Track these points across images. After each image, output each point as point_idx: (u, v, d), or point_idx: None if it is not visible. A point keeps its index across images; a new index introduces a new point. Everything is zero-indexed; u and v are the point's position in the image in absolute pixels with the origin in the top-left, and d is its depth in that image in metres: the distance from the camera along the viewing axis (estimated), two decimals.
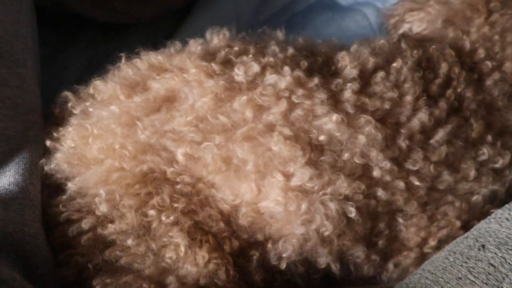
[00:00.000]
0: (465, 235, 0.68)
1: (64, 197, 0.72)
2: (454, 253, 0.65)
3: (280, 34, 0.82)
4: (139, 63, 0.76)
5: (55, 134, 0.75)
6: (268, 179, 0.69)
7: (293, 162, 0.68)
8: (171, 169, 0.70)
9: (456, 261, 0.64)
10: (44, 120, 0.80)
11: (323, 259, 0.72)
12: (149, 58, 0.76)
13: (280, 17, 1.20)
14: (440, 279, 0.63)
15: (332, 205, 0.69)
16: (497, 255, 0.63)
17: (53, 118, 0.79)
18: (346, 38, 1.14)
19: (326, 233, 0.70)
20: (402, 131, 0.73)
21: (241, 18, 1.18)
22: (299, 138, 0.69)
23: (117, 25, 1.13)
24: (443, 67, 0.78)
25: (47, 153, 0.75)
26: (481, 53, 0.82)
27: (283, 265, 0.71)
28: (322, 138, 0.70)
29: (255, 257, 0.71)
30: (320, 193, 0.69)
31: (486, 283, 0.61)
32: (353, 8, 1.20)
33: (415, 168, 0.73)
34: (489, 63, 0.82)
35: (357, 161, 0.70)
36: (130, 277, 0.66)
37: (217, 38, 0.78)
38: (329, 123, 0.70)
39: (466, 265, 0.63)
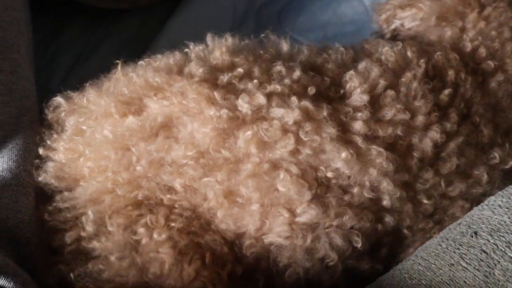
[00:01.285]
0: (458, 221, 0.69)
1: (50, 207, 0.70)
2: (447, 239, 0.66)
3: (285, 46, 0.78)
4: (135, 79, 0.72)
5: (48, 142, 0.73)
6: (273, 215, 0.67)
7: (299, 201, 0.66)
8: (168, 196, 0.68)
9: (448, 247, 0.64)
10: (39, 106, 0.79)
11: (327, 281, 0.71)
12: (146, 76, 0.71)
13: (276, 4, 1.18)
14: (433, 265, 0.64)
15: (338, 237, 0.67)
16: (489, 241, 0.63)
17: (46, 121, 0.76)
18: (342, 25, 1.15)
19: (331, 263, 0.68)
20: (414, 154, 0.71)
21: (236, 3, 1.17)
22: (306, 174, 0.66)
23: (112, 10, 1.12)
24: (450, 75, 0.77)
25: (39, 157, 0.73)
26: (482, 52, 0.81)
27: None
28: (329, 174, 0.67)
29: (260, 282, 0.69)
30: (326, 224, 0.67)
31: (478, 269, 0.61)
32: None
33: (425, 187, 0.71)
34: (491, 63, 0.80)
35: (367, 195, 0.68)
36: (112, 286, 0.65)
37: (219, 50, 0.73)
38: (338, 161, 0.67)
39: (459, 252, 0.63)
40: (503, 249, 0.62)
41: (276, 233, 0.67)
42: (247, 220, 0.67)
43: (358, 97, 0.71)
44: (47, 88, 0.80)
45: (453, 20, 0.84)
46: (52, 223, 0.69)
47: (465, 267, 0.62)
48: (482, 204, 0.69)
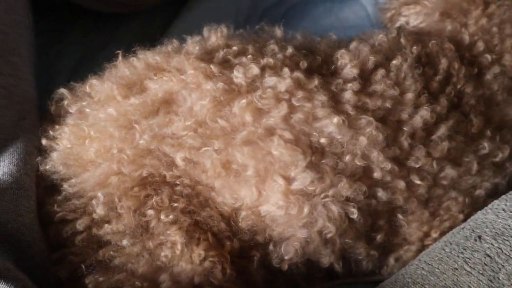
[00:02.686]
0: (462, 225, 0.68)
1: (59, 197, 0.71)
2: (451, 243, 0.65)
3: (278, 31, 0.80)
4: (136, 62, 0.74)
5: (51, 133, 0.74)
6: (269, 183, 0.68)
7: (294, 166, 0.67)
8: (170, 173, 0.69)
9: (452, 251, 0.64)
10: (40, 110, 0.79)
11: (326, 259, 0.72)
12: (146, 58, 0.74)
13: (279, 8, 1.20)
14: (436, 269, 0.63)
15: (334, 207, 0.68)
16: (493, 245, 0.62)
17: (49, 115, 0.77)
18: (344, 29, 1.15)
19: (329, 235, 0.69)
20: (404, 129, 0.72)
21: (240, 7, 1.17)
22: (299, 141, 0.68)
23: (114, 14, 1.13)
24: (443, 63, 0.78)
25: (43, 151, 0.74)
26: (480, 46, 0.82)
27: (285, 267, 0.71)
28: (323, 140, 0.69)
29: (256, 257, 0.70)
30: (322, 195, 0.68)
31: (482, 274, 0.61)
32: None
33: (417, 166, 0.72)
34: (488, 56, 0.81)
35: (358, 163, 0.69)
36: (123, 275, 0.65)
37: (214, 36, 0.76)
38: (330, 126, 0.69)
39: (463, 256, 0.63)
40: (507, 253, 0.61)
41: (272, 202, 0.68)
42: (243, 190, 0.68)
43: (349, 70, 0.73)
44: (49, 92, 0.80)
45: (456, 17, 0.84)
46: (61, 214, 0.70)
47: (469, 272, 0.61)
48: (485, 208, 0.69)
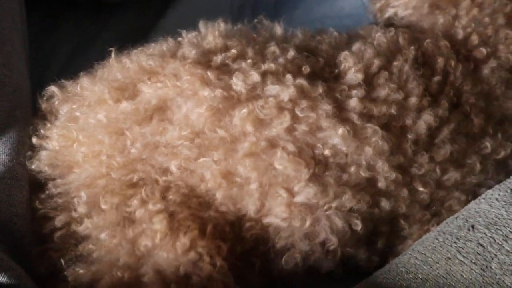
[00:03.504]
0: (455, 215, 0.68)
1: (42, 195, 0.70)
2: (444, 233, 0.65)
3: (278, 29, 0.78)
4: (129, 64, 0.72)
5: (41, 131, 0.73)
6: (272, 195, 0.67)
7: (297, 180, 0.66)
8: (164, 178, 0.67)
9: (445, 241, 0.64)
10: (32, 101, 0.79)
11: (327, 266, 0.71)
12: (140, 60, 0.71)
13: None
14: (430, 259, 0.63)
15: (338, 220, 0.67)
16: (486, 235, 0.63)
17: (40, 112, 0.76)
18: (339, 18, 1.14)
19: (332, 247, 0.68)
20: (408, 136, 0.71)
21: None
22: (303, 152, 0.66)
23: (107, 4, 1.12)
24: (440, 62, 0.77)
25: (32, 148, 0.73)
26: (474, 39, 0.80)
27: (285, 275, 0.70)
28: (327, 152, 0.67)
29: (257, 264, 0.69)
30: (325, 207, 0.67)
31: (475, 263, 0.61)
32: None
33: (420, 173, 0.71)
34: (483, 50, 0.80)
35: (363, 174, 0.68)
36: (103, 266, 0.64)
37: (211, 35, 0.73)
38: (334, 137, 0.67)
39: (456, 245, 0.63)
40: (500, 243, 0.61)
41: (275, 214, 0.67)
42: (246, 201, 0.67)
43: (353, 75, 0.71)
44: (42, 83, 0.79)
45: (446, 8, 0.83)
46: (43, 211, 0.69)
47: (462, 261, 0.62)
48: (479, 197, 0.69)
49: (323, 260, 0.70)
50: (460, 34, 0.81)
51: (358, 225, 0.68)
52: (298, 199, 0.66)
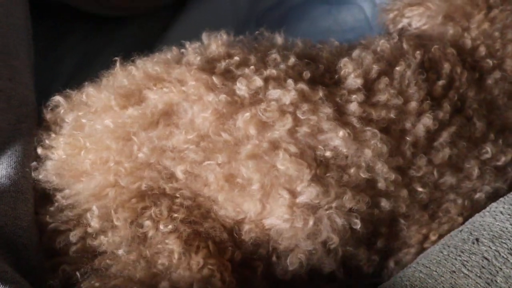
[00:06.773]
0: (460, 228, 0.68)
1: (51, 208, 0.70)
2: (448, 246, 0.65)
3: (279, 39, 0.79)
4: (134, 71, 0.73)
5: (47, 142, 0.73)
6: (274, 197, 0.67)
7: (299, 181, 0.67)
8: (170, 185, 0.68)
9: (450, 254, 0.64)
10: (38, 114, 0.79)
11: (328, 267, 0.71)
12: (145, 67, 0.73)
13: (277, 10, 1.20)
14: (434, 272, 0.63)
15: (339, 219, 0.67)
16: (491, 248, 0.62)
17: (45, 122, 0.76)
18: (342, 32, 1.15)
19: (333, 246, 0.69)
20: (407, 138, 0.72)
21: (238, 9, 1.18)
22: (304, 154, 0.67)
23: (113, 17, 1.13)
24: (446, 68, 0.77)
25: (37, 159, 0.73)
26: (482, 51, 0.81)
27: (289, 277, 0.70)
28: (328, 154, 0.68)
29: (259, 268, 0.70)
30: (326, 207, 0.67)
31: (480, 277, 0.61)
32: (349, 1, 1.20)
33: (419, 175, 0.72)
34: (490, 61, 0.81)
35: (363, 176, 0.69)
36: (120, 280, 0.64)
37: (214, 44, 0.75)
38: (335, 139, 0.68)
39: (460, 259, 0.63)
40: (505, 256, 0.61)
41: (277, 215, 0.67)
42: (247, 203, 0.67)
43: (353, 81, 0.72)
44: (48, 95, 0.80)
45: (459, 21, 0.84)
46: (54, 225, 0.69)
47: (466, 274, 0.61)
48: (483, 211, 0.69)
49: (325, 258, 0.70)
50: (469, 44, 0.82)
51: (358, 224, 0.68)
52: (301, 199, 0.67)
